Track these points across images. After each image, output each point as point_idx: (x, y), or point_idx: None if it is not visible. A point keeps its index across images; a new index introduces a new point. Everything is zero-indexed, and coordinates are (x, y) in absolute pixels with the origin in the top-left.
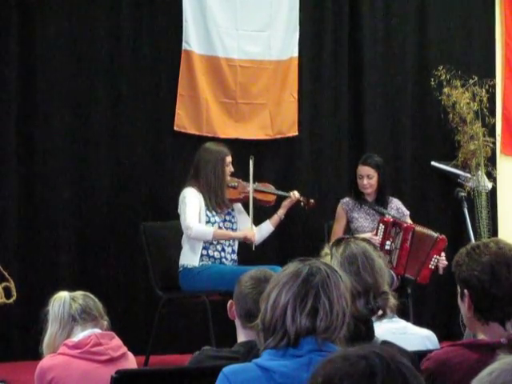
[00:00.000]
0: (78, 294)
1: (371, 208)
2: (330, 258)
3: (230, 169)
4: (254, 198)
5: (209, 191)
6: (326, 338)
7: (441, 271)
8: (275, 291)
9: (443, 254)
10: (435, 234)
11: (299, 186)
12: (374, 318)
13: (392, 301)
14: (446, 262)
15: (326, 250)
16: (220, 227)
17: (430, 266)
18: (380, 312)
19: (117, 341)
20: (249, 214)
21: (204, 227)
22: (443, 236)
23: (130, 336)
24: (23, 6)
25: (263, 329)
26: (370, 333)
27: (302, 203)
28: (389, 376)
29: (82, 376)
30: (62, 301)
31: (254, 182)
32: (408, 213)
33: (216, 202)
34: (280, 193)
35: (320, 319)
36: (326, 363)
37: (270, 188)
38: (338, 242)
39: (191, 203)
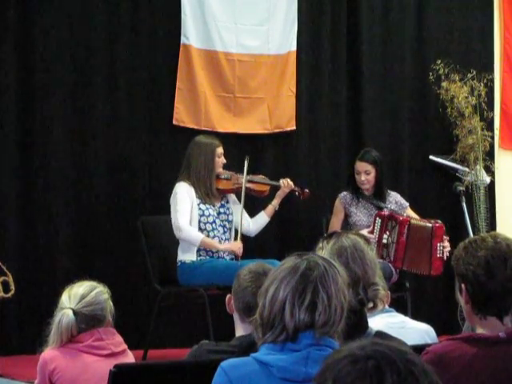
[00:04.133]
0: (87, 300)
1: (369, 202)
2: (321, 251)
3: (222, 160)
4: (248, 188)
5: (198, 182)
6: (324, 333)
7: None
8: (273, 286)
9: (446, 238)
10: (430, 224)
11: (297, 180)
12: (368, 313)
13: (382, 292)
14: (449, 248)
15: (320, 244)
16: (214, 220)
17: (438, 255)
18: (370, 304)
19: (118, 337)
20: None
21: (194, 233)
22: (438, 223)
23: (128, 330)
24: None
25: (261, 324)
26: (363, 323)
27: (296, 193)
28: (398, 375)
29: (83, 368)
30: (65, 323)
31: (247, 174)
32: (407, 204)
33: (205, 193)
34: (273, 183)
35: (318, 314)
36: (333, 365)
37: (265, 179)
38: (330, 235)
39: (182, 201)
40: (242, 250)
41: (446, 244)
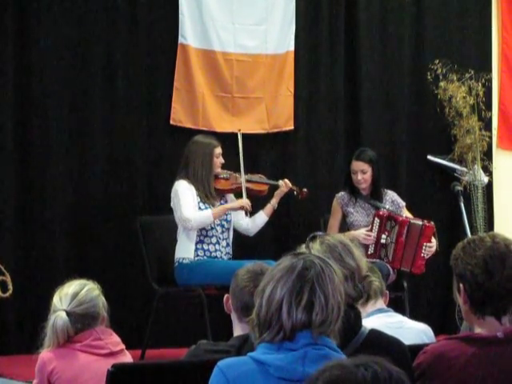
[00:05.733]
0: (78, 299)
1: (366, 202)
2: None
3: (220, 160)
4: (247, 188)
5: (197, 183)
6: (321, 332)
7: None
8: (270, 286)
9: (433, 239)
10: (421, 223)
11: (295, 180)
12: (364, 313)
13: (376, 283)
14: (433, 250)
15: (304, 249)
16: (213, 220)
17: (422, 254)
18: (365, 296)
19: (115, 337)
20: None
21: (201, 213)
22: (430, 223)
23: (126, 330)
24: (19, 1)
25: (258, 323)
26: (357, 321)
27: (294, 192)
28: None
29: (82, 367)
30: (59, 325)
31: (245, 172)
32: (404, 204)
33: (204, 193)
34: (272, 182)
35: (316, 313)
36: (322, 372)
37: (263, 178)
38: (312, 237)
39: (185, 195)
40: (250, 205)
41: (431, 245)
